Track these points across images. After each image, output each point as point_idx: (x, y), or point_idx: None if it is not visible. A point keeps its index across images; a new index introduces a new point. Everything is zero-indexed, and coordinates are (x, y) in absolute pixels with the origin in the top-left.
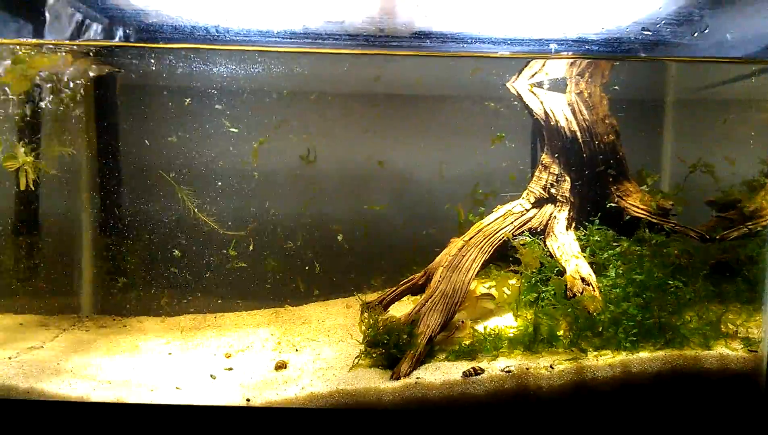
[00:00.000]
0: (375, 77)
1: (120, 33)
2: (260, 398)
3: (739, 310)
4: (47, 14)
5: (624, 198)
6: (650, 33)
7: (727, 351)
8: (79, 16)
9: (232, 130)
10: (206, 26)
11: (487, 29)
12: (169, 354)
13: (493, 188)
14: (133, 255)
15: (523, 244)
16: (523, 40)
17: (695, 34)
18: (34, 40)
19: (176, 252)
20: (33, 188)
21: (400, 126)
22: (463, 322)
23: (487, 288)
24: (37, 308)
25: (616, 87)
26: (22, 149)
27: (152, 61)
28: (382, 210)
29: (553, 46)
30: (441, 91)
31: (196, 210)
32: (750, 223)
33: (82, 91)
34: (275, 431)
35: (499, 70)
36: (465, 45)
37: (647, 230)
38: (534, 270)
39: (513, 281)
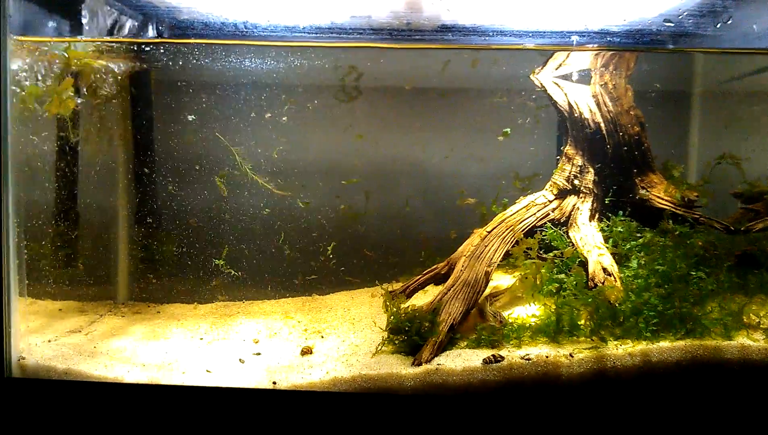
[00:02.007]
0: (444, 62)
1: (153, 30)
2: (286, 382)
3: (763, 302)
4: (84, 12)
5: (648, 189)
6: (672, 24)
7: (749, 341)
8: (114, 14)
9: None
10: (235, 22)
11: (509, 22)
12: (201, 339)
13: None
14: (167, 244)
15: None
16: (545, 32)
17: (718, 25)
18: (71, 38)
19: (190, 232)
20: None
21: (425, 120)
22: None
23: (513, 277)
24: (75, 295)
25: (658, 84)
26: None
27: (184, 56)
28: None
29: (575, 38)
30: (464, 85)
31: (249, 171)
32: None
33: (118, 86)
34: (300, 413)
35: (523, 63)
36: (487, 38)
37: (671, 221)
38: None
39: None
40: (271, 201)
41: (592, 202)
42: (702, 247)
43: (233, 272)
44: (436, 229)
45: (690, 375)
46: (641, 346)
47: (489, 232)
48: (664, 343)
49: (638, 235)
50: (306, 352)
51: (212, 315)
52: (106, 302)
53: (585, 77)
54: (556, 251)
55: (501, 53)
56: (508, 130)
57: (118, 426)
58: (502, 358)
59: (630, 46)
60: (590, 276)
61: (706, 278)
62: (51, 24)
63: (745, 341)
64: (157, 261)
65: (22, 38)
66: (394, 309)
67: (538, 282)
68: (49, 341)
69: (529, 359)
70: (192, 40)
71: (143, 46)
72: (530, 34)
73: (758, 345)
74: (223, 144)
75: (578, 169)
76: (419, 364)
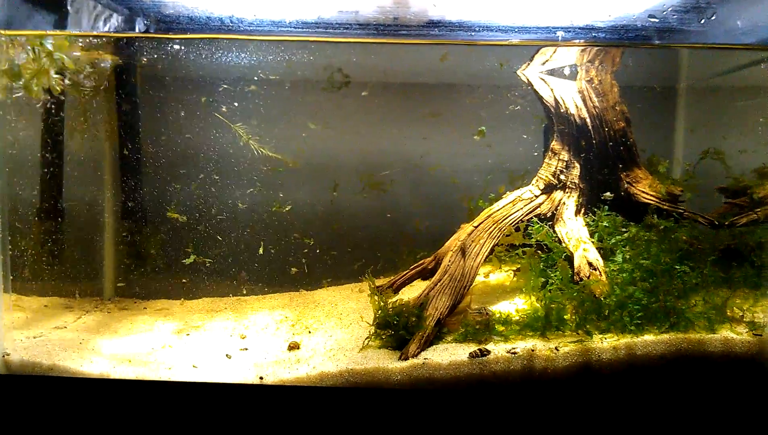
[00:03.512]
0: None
1: (139, 24)
2: (273, 377)
3: (747, 295)
4: (69, 6)
5: (633, 184)
6: (657, 20)
7: (732, 335)
8: (99, 8)
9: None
10: (221, 16)
11: (496, 17)
12: (187, 334)
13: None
14: (153, 240)
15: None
16: (531, 28)
17: (702, 21)
18: (56, 31)
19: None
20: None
21: (414, 115)
22: (484, 310)
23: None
24: (61, 291)
25: (645, 81)
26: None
27: (169, 51)
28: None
29: (560, 33)
30: (454, 80)
31: (253, 144)
32: (759, 209)
33: (103, 81)
34: (287, 408)
35: (508, 58)
36: (473, 33)
37: (656, 216)
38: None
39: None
40: (258, 196)
41: (578, 197)
42: (686, 242)
43: (208, 262)
44: (425, 225)
45: (674, 368)
46: (626, 340)
47: (476, 227)
48: (649, 337)
49: (623, 229)
50: (293, 347)
51: (199, 310)
52: (93, 298)
53: (573, 73)
54: (535, 237)
55: (489, 49)
56: (484, 128)
57: (104, 422)
58: (489, 352)
59: (615, 41)
60: (576, 270)
61: (691, 272)
62: (36, 17)
63: (728, 334)
64: (143, 257)
65: (6, 32)
66: (381, 304)
67: (534, 270)
68: (35, 337)
69: (515, 353)
70: (178, 36)
71: (128, 41)
72: (516, 30)
73: (741, 338)
74: (221, 124)
75: (564, 164)
76: (406, 359)
